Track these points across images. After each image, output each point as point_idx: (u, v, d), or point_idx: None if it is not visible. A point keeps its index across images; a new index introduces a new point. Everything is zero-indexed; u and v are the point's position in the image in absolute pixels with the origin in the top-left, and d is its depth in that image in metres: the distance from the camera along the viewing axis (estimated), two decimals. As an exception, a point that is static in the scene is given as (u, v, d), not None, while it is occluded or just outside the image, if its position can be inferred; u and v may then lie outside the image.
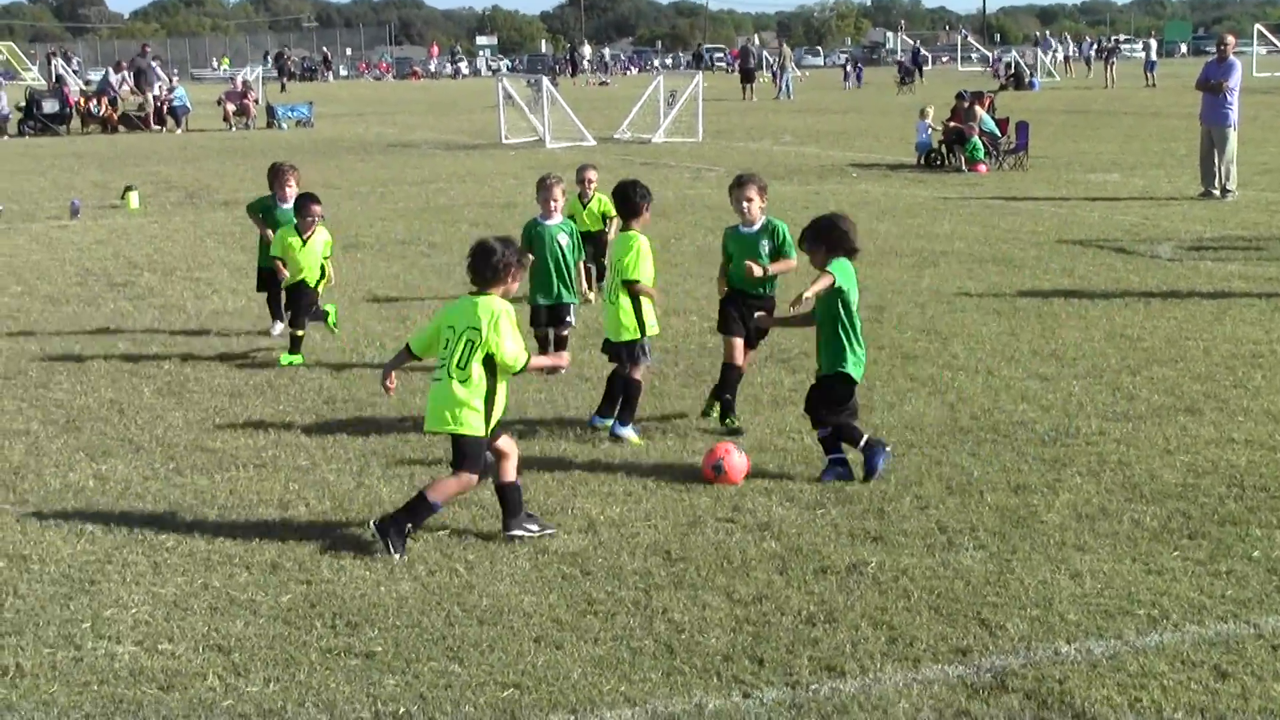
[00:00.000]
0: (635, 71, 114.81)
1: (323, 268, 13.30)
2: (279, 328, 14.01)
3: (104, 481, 9.60)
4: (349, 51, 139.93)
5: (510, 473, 8.43)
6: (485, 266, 8.48)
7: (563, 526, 8.53)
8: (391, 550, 8.06)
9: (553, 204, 12.57)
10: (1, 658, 6.78)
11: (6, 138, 46.29)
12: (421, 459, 9.93)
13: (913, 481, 9.28)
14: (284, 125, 50.20)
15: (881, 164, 32.00)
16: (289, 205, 13.93)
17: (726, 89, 69.78)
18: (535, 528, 8.42)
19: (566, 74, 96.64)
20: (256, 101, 52.60)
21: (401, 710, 6.21)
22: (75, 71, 79.09)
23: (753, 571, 7.78)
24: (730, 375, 10.78)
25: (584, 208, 16.13)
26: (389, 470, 9.72)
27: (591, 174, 16.46)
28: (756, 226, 10.75)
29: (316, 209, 13.26)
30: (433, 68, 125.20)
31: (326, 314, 13.35)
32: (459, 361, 8.17)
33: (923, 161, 31.20)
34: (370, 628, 7.10)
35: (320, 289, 13.37)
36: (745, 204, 10.71)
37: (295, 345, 13.08)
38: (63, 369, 12.94)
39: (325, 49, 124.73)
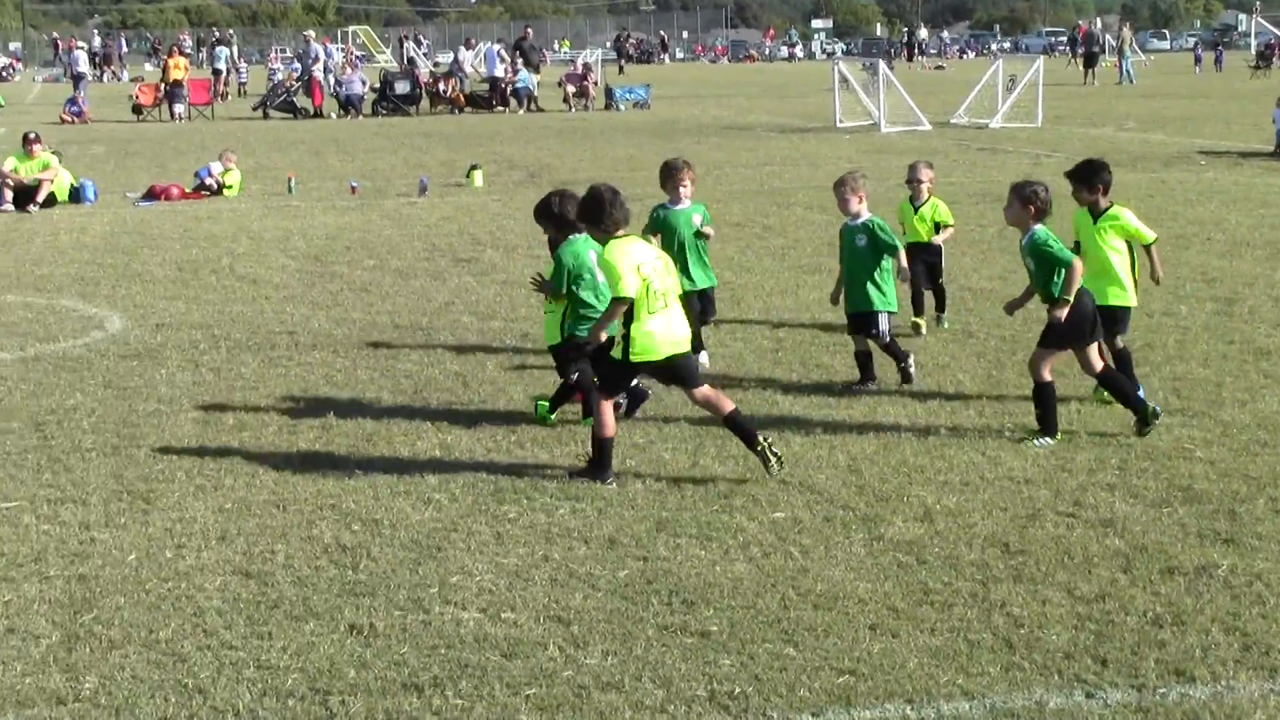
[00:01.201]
0: (972, 55, 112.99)
1: None
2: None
3: (449, 451, 9.90)
4: (685, 34, 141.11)
5: None
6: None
7: (898, 514, 8.47)
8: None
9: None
10: (356, 617, 7.07)
11: (362, 118, 48.07)
12: (741, 453, 9.95)
13: (1267, 483, 8.92)
14: (622, 107, 50.93)
15: (1232, 152, 30.81)
16: (684, 207, 12.25)
17: (1066, 73, 68.12)
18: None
19: (902, 57, 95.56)
20: (596, 83, 53.50)
21: (736, 690, 6.26)
22: (425, 54, 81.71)
23: (1095, 569, 7.59)
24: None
25: (914, 212, 13.67)
26: (723, 450, 9.78)
27: (925, 173, 13.81)
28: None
29: None
30: (768, 51, 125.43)
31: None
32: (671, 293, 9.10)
33: (1280, 150, 29.93)
34: (706, 607, 7.16)
35: None
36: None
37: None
38: (411, 340, 13.39)
39: (662, 32, 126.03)
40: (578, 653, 6.66)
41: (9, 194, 23.87)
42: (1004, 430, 10.20)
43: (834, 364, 12.25)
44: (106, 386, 11.80)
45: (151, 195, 25.22)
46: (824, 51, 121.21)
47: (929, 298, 13.66)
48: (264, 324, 13.86)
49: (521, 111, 49.88)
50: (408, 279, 16.74)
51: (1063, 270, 9.95)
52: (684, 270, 11.75)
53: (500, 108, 50.66)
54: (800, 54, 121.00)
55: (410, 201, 24.47)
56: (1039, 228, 10.17)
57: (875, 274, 11.52)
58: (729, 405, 9.26)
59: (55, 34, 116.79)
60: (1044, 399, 10.03)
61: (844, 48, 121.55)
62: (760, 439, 9.08)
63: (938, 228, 13.62)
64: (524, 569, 7.72)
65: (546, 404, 10.71)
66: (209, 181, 25.65)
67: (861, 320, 11.55)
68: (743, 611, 7.09)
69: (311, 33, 61.73)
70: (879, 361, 11.57)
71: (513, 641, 6.78)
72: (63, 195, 24.68)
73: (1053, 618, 6.97)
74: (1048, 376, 10.03)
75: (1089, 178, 10.76)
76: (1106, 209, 10.67)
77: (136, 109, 48.93)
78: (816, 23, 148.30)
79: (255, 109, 50.42)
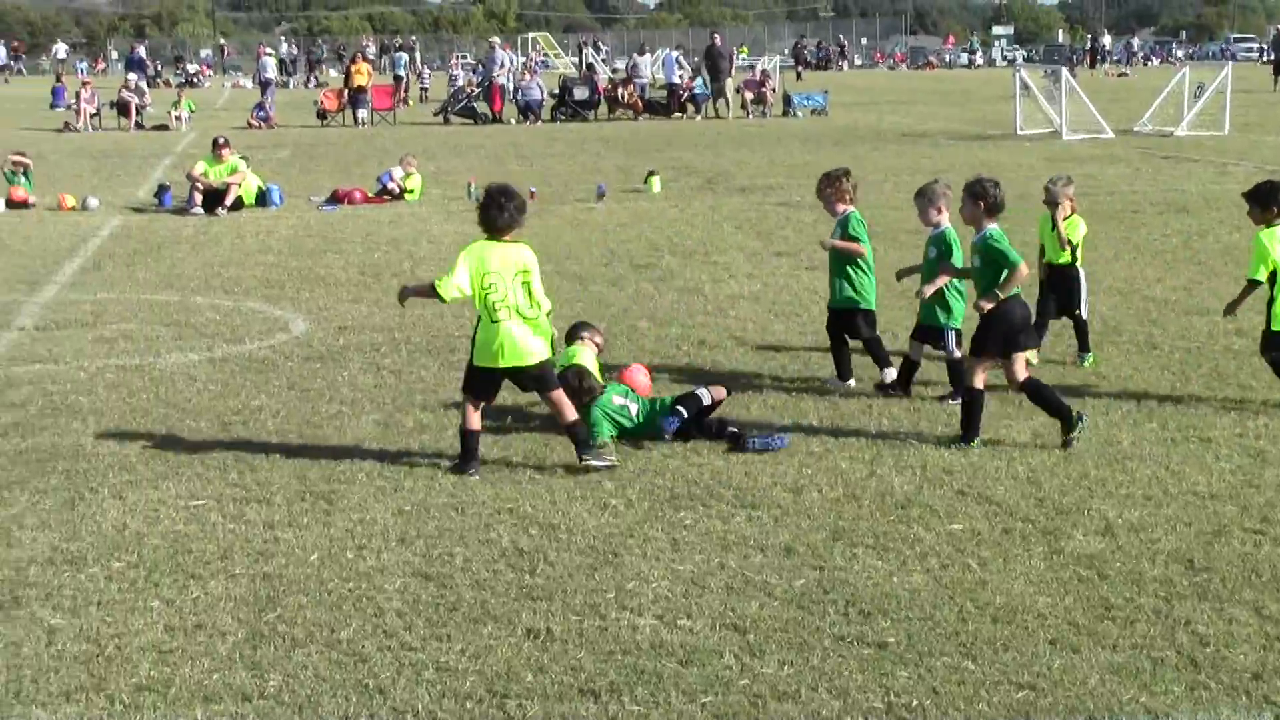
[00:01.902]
0: (1157, 62, 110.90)
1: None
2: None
3: (626, 456, 9.92)
4: (864, 41, 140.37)
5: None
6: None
7: (1079, 527, 8.33)
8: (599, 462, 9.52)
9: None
10: (534, 621, 7.12)
11: (541, 123, 48.49)
12: (919, 463, 9.87)
13: None
14: (799, 113, 50.76)
15: None
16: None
17: (1256, 80, 66.51)
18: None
19: (1085, 64, 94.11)
20: (774, 90, 53.41)
21: (914, 703, 6.19)
22: (604, 60, 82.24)
23: (1284, 588, 7.40)
24: None
25: (1052, 231, 12.58)
26: (900, 460, 9.71)
27: (1067, 191, 12.63)
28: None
29: None
30: (947, 58, 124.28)
31: None
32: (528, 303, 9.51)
33: None
34: (883, 618, 7.10)
35: None
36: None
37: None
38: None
39: (842, 38, 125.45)
40: (754, 661, 6.64)
41: (199, 197, 24.45)
42: (1189, 443, 9.98)
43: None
44: (290, 388, 12.04)
45: (335, 199, 25.69)
46: (1004, 58, 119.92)
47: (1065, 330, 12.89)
48: (444, 328, 14.03)
49: (698, 118, 49.94)
50: (585, 284, 16.83)
51: (1008, 270, 10.03)
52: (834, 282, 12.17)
53: (678, 114, 50.79)
54: (980, 61, 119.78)
55: (588, 207, 24.62)
56: (992, 226, 10.36)
57: (944, 289, 11.45)
58: (571, 416, 9.68)
59: (221, 42, 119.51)
60: (972, 406, 10.08)
61: (1025, 54, 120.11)
62: (585, 453, 9.60)
63: (1073, 250, 12.53)
64: (700, 576, 7.71)
65: None
66: (390, 186, 26.04)
67: (930, 332, 11.60)
68: (920, 623, 7.02)
69: (496, 39, 62.43)
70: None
71: (689, 649, 6.78)
72: (250, 199, 25.22)
73: (1240, 637, 6.80)
74: (979, 385, 10.06)
75: (1265, 199, 10.77)
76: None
77: (321, 114, 49.86)
78: (997, 29, 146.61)
79: (436, 114, 51.11)
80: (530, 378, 9.68)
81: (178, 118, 48.56)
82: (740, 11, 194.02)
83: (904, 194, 25.40)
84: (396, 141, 39.58)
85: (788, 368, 12.51)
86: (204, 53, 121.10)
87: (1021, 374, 10.10)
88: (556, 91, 51.64)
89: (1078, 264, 12.58)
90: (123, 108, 49.03)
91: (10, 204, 25.20)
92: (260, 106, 50.15)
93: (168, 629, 7.11)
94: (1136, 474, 9.33)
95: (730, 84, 50.85)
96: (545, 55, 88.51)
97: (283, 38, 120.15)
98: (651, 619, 7.14)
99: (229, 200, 24.44)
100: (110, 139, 43.95)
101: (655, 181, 26.93)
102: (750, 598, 7.40)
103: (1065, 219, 12.54)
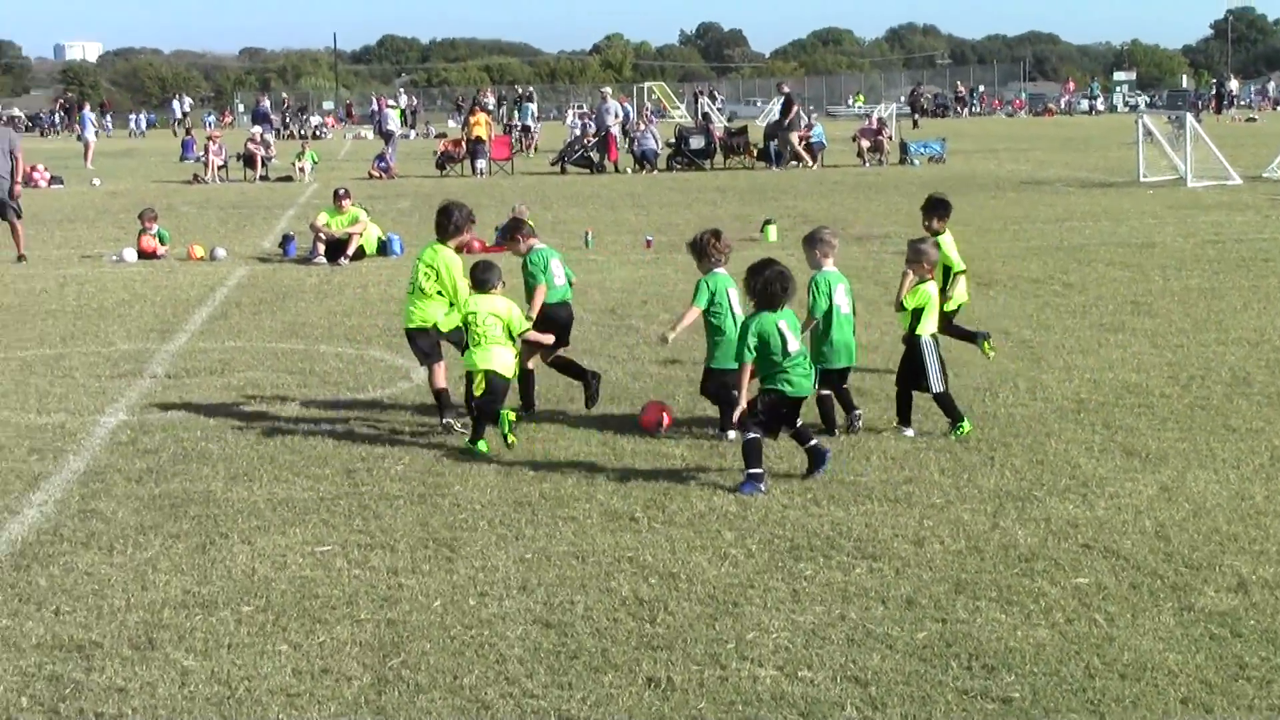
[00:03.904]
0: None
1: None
2: None
3: (745, 507, 9.92)
4: (981, 88, 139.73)
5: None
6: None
7: (1210, 584, 8.20)
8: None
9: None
10: (654, 670, 7.13)
11: (657, 172, 48.70)
12: (1042, 516, 9.77)
13: None
14: (916, 161, 50.58)
15: None
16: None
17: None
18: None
19: (1210, 109, 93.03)
20: (890, 138, 53.29)
21: (1040, 759, 6.13)
22: (719, 109, 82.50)
23: None
24: None
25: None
26: (1024, 513, 9.62)
27: (929, 253, 12.27)
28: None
29: None
30: (1067, 104, 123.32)
31: None
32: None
33: None
34: (1007, 672, 7.03)
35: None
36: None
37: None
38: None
39: (960, 84, 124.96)
40: (875, 714, 6.60)
41: (321, 247, 24.82)
42: (1321, 498, 9.81)
43: (1138, 425, 11.93)
44: (412, 436, 12.16)
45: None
46: (1126, 104, 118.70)
47: None
48: (563, 377, 14.09)
49: (815, 166, 49.91)
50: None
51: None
52: None
53: (793, 162, 50.79)
54: (1101, 106, 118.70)
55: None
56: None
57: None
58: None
59: (348, 99, 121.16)
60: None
61: (1148, 100, 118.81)
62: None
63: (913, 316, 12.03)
64: (821, 627, 7.69)
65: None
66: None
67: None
68: (1045, 679, 6.94)
69: (608, 89, 62.85)
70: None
71: (810, 700, 6.75)
72: (371, 249, 25.57)
73: (1377, 698, 6.66)
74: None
75: None
76: None
77: (440, 164, 50.42)
78: (1119, 75, 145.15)
79: (553, 164, 51.51)
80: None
81: (301, 169, 49.34)
82: (856, 59, 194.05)
83: (1023, 242, 25.26)
84: (515, 191, 39.92)
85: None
86: (326, 104, 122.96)
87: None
88: (672, 140, 51.86)
89: (918, 333, 11.94)
90: (249, 160, 49.90)
91: (141, 254, 25.73)
92: (381, 157, 50.82)
93: (295, 673, 7.20)
94: (1271, 530, 9.16)
95: (795, 136, 50.58)
96: (660, 105, 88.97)
97: (402, 90, 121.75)
98: (772, 670, 7.13)
99: (351, 250, 24.79)
100: (237, 190, 44.74)
101: (771, 230, 26.94)
102: (872, 650, 7.36)
103: (916, 283, 12.00)
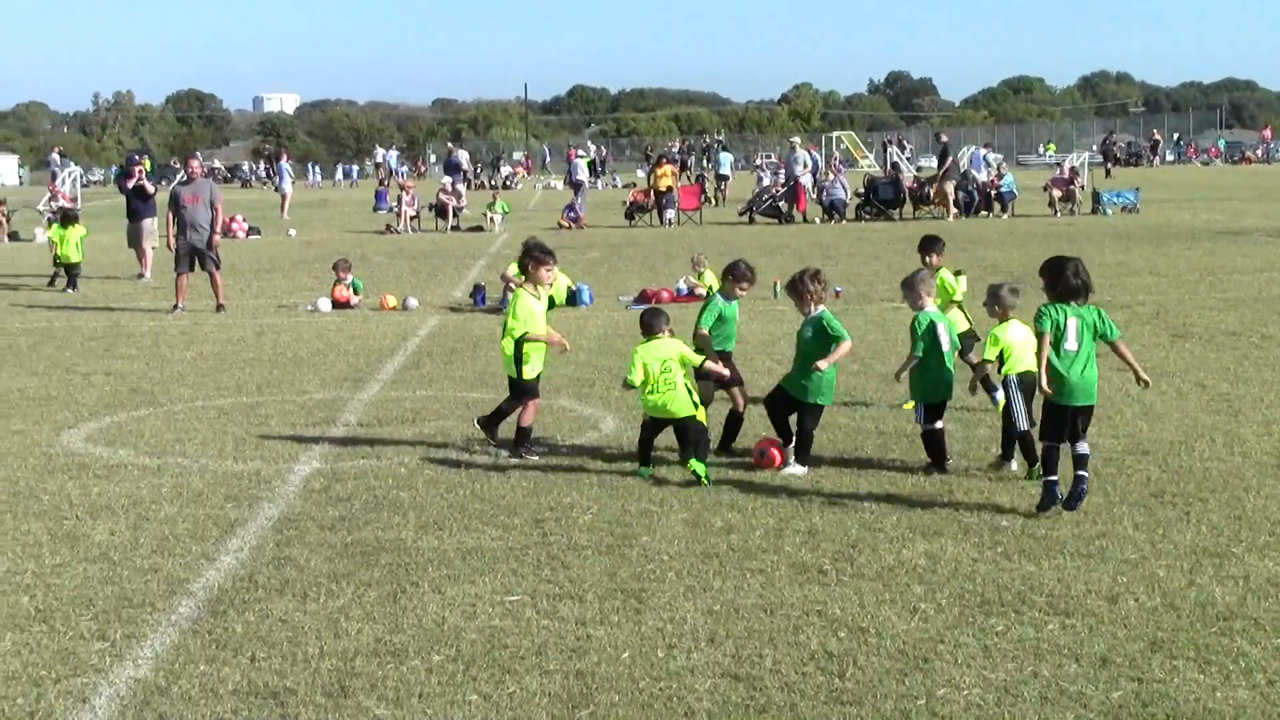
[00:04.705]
0: None
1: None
2: None
3: (935, 560, 9.83)
4: (1176, 136, 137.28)
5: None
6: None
7: None
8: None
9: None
10: (843, 726, 7.09)
11: (846, 222, 48.57)
12: (1241, 573, 9.52)
13: None
14: (1109, 211, 49.82)
15: None
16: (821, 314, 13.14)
17: None
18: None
19: None
20: (1083, 187, 52.57)
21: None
22: (909, 158, 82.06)
23: None
24: None
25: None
26: (1221, 570, 9.40)
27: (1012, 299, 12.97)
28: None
29: None
30: (1265, 151, 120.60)
31: None
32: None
33: None
34: (1205, 735, 6.87)
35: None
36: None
37: None
38: (896, 446, 13.40)
39: (1155, 131, 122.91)
40: (1069, 775, 6.49)
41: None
42: None
43: (1343, 482, 11.62)
44: (600, 486, 12.24)
45: (643, 299, 26.13)
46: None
47: None
48: (750, 427, 14.09)
49: (1005, 216, 49.38)
50: (892, 385, 16.73)
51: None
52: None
53: (984, 212, 50.33)
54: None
55: (894, 306, 24.52)
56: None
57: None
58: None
59: (544, 148, 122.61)
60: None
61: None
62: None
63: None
64: (1013, 685, 7.58)
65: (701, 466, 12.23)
66: (682, 289, 26.43)
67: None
68: (1246, 743, 6.77)
69: (797, 139, 62.91)
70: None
71: (1002, 760, 6.66)
72: (560, 298, 25.80)
73: None
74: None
75: None
76: None
77: (629, 214, 50.85)
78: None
79: (741, 214, 51.64)
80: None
81: (492, 219, 50.09)
82: (1047, 108, 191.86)
83: (1220, 293, 24.72)
84: (703, 242, 40.07)
85: (1100, 472, 12.20)
86: (516, 155, 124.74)
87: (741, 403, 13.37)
88: (861, 190, 51.71)
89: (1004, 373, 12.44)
90: (440, 210, 50.80)
91: (336, 304, 26.31)
92: (571, 207, 51.41)
93: (485, 722, 7.28)
94: None
95: (950, 185, 49.96)
96: (849, 154, 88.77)
97: (590, 140, 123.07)
98: (963, 728, 7.04)
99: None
100: (429, 240, 45.56)
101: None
102: (1065, 708, 7.24)
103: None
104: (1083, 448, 10.99)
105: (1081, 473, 10.90)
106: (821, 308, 12.92)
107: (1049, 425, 11.04)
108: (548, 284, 14.17)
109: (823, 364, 12.60)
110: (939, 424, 12.53)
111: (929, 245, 16.56)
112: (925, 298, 12.88)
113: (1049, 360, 10.88)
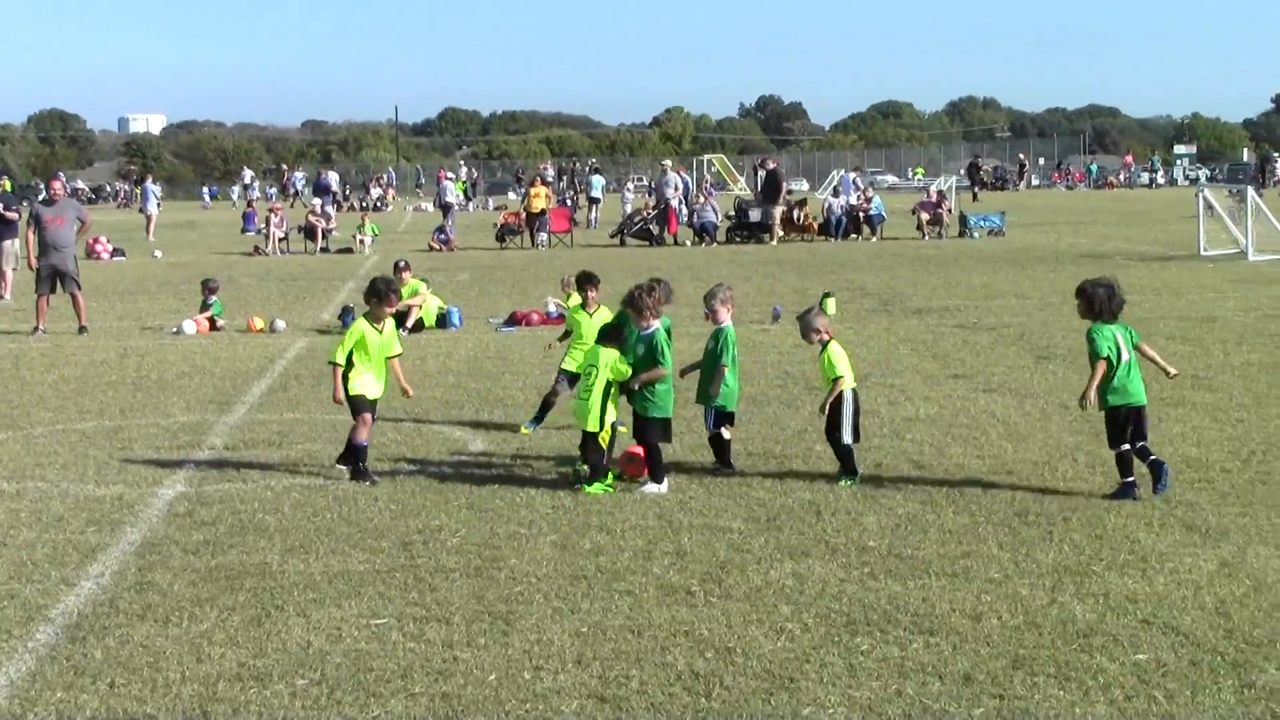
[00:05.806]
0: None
1: None
2: None
3: (802, 580, 9.88)
4: (1041, 161, 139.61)
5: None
6: None
7: (1272, 660, 8.09)
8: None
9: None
10: (709, 746, 7.09)
11: (716, 245, 48.84)
12: (1101, 591, 9.68)
13: None
14: (976, 234, 50.54)
15: None
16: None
17: None
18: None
19: (1272, 183, 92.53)
20: (950, 211, 53.29)
21: (1098, 840, 6.05)
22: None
23: None
24: None
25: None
26: (1083, 587, 9.54)
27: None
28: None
29: None
30: (1127, 177, 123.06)
31: None
32: None
33: None
34: (1065, 750, 6.96)
35: None
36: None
37: None
38: (764, 468, 13.46)
39: (1022, 156, 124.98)
40: (932, 793, 6.54)
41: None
42: (1386, 575, 9.69)
43: (1199, 500, 11.85)
44: (469, 508, 12.18)
45: (513, 321, 26.08)
46: (1187, 178, 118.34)
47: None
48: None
49: (874, 239, 49.94)
50: (761, 406, 16.85)
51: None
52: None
53: (853, 234, 50.84)
54: (1162, 180, 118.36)
55: (764, 329, 24.70)
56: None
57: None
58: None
59: (417, 168, 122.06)
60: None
61: (1208, 173, 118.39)
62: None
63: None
64: (877, 703, 7.63)
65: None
66: (552, 312, 26.31)
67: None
68: (1104, 757, 6.87)
69: (668, 161, 63.17)
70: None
71: (865, 778, 6.70)
72: (430, 320, 25.73)
73: None
74: None
75: None
76: None
77: (500, 236, 50.76)
78: (1179, 148, 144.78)
79: (612, 236, 51.75)
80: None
81: (361, 241, 49.76)
82: (916, 132, 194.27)
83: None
84: (573, 264, 40.02)
85: (965, 493, 12.36)
86: (386, 174, 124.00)
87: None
88: (732, 213, 52.02)
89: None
90: (309, 232, 50.39)
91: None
92: (441, 229, 51.21)
93: (349, 747, 7.20)
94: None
95: (778, 211, 50.50)
96: (719, 178, 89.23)
97: (463, 162, 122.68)
98: (829, 747, 7.08)
99: (410, 322, 24.92)
100: (297, 262, 45.17)
101: (831, 303, 26.91)
102: (929, 727, 7.30)
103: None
104: (1141, 442, 12.15)
105: (1153, 458, 12.10)
106: (655, 324, 13.37)
107: (1114, 432, 12.19)
108: (384, 317, 14.52)
109: (635, 383, 12.98)
110: (725, 431, 13.56)
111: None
112: (720, 309, 14.07)
113: (1104, 371, 12.08)
